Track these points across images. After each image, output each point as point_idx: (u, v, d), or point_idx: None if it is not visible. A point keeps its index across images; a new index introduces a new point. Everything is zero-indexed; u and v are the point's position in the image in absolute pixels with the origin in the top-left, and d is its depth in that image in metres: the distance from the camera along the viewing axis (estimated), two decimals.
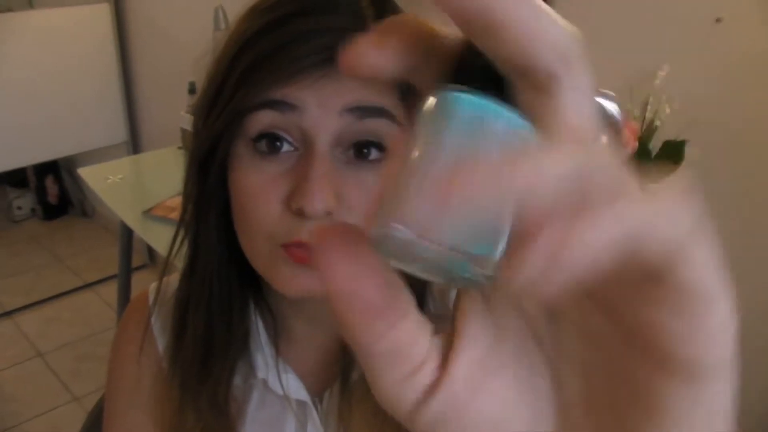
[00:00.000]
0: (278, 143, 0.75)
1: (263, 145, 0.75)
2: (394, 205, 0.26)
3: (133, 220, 2.60)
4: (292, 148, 0.75)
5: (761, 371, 1.87)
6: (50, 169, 4.87)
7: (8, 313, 3.97)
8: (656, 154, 1.69)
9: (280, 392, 0.92)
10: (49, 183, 4.95)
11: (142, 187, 2.97)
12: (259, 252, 0.79)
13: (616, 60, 1.91)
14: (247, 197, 0.76)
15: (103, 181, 2.88)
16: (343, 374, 0.91)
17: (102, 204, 2.81)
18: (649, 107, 1.71)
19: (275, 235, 0.76)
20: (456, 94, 0.27)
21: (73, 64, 3.85)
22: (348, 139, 0.74)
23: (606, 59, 1.93)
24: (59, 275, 4.37)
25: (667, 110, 1.68)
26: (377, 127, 0.74)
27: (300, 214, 0.73)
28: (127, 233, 2.90)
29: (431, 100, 0.28)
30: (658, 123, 1.69)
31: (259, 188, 0.75)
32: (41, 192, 4.96)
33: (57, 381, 3.47)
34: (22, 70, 3.69)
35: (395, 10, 0.80)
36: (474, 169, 0.22)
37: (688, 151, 1.64)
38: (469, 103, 0.27)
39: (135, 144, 4.23)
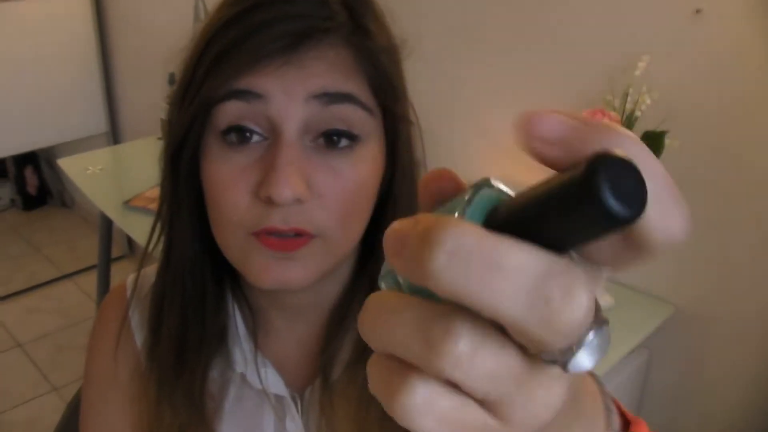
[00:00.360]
0: (247, 134, 0.75)
1: (232, 136, 0.75)
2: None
3: (112, 211, 2.60)
4: (261, 138, 0.75)
5: (760, 371, 1.88)
6: (29, 159, 4.85)
7: None
8: None
9: (258, 386, 0.91)
10: (29, 173, 4.92)
11: (121, 178, 2.96)
12: (231, 243, 0.79)
13: (596, 50, 1.91)
14: (218, 188, 0.76)
15: (82, 171, 2.86)
16: (323, 369, 0.90)
17: (81, 195, 2.80)
18: (629, 98, 1.71)
19: (246, 224, 0.76)
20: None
21: (53, 54, 3.83)
22: (316, 127, 0.74)
23: (586, 49, 1.94)
24: (38, 265, 4.35)
25: (648, 101, 1.68)
26: (345, 113, 0.74)
27: (269, 202, 0.73)
28: (107, 224, 2.90)
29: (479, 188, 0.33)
30: (638, 114, 1.69)
31: (228, 179, 0.75)
32: (20, 182, 4.93)
33: (36, 371, 3.46)
34: (1, 61, 3.66)
35: (367, 4, 0.80)
36: None
37: (668, 142, 1.65)
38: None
39: (115, 135, 4.21)
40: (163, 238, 0.89)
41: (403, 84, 0.84)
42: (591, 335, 0.29)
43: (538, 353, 0.29)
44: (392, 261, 0.29)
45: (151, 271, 0.97)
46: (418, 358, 0.29)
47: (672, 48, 1.75)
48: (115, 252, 3.23)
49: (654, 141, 1.66)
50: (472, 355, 0.29)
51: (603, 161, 0.26)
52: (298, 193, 0.72)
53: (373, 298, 0.32)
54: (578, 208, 0.27)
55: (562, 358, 0.29)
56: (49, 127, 3.94)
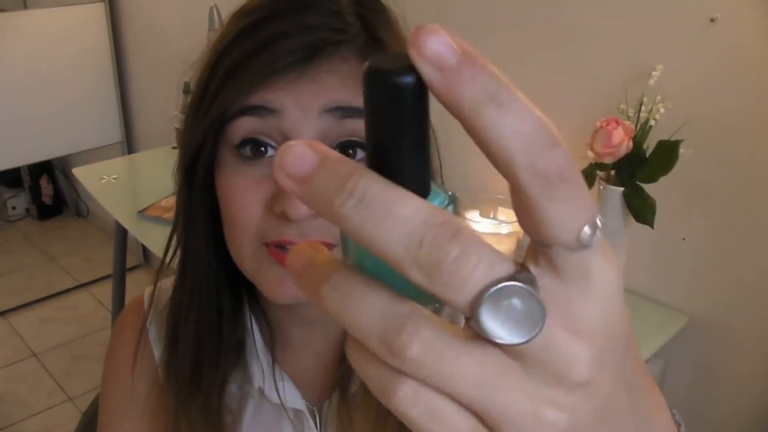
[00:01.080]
0: (262, 148, 0.75)
1: (247, 150, 0.75)
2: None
3: (127, 220, 2.60)
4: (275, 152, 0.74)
5: (759, 372, 1.87)
6: (45, 169, 4.87)
7: (2, 314, 3.97)
8: (650, 154, 1.69)
9: (276, 401, 0.91)
10: (44, 183, 4.94)
11: (136, 187, 2.97)
12: (245, 254, 0.79)
13: (610, 59, 1.91)
14: (232, 201, 0.76)
15: (97, 181, 2.87)
16: (341, 382, 0.90)
17: (96, 204, 2.81)
18: (643, 107, 1.71)
19: (259, 235, 0.76)
20: None
21: (68, 64, 3.85)
22: (331, 140, 0.74)
23: (600, 58, 1.94)
24: (53, 275, 4.36)
25: (662, 110, 1.68)
26: (359, 127, 0.73)
27: (284, 217, 0.72)
28: (122, 233, 2.90)
29: None
30: (652, 123, 1.69)
31: (243, 192, 0.75)
32: (35, 192, 4.95)
33: (51, 381, 3.47)
34: (16, 71, 3.68)
35: (380, 14, 0.79)
36: None
37: (683, 152, 1.64)
38: None
39: (129, 144, 4.22)
40: (179, 251, 0.89)
41: None
42: (491, 291, 0.28)
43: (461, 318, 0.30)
44: (287, 182, 0.30)
45: (168, 283, 0.97)
46: (380, 354, 0.30)
47: (686, 57, 1.75)
48: (130, 261, 3.24)
49: (668, 150, 1.66)
50: (431, 357, 0.29)
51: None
52: None
53: (338, 275, 0.31)
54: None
55: (471, 318, 0.29)
56: (64, 136, 3.95)
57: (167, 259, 0.91)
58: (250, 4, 0.77)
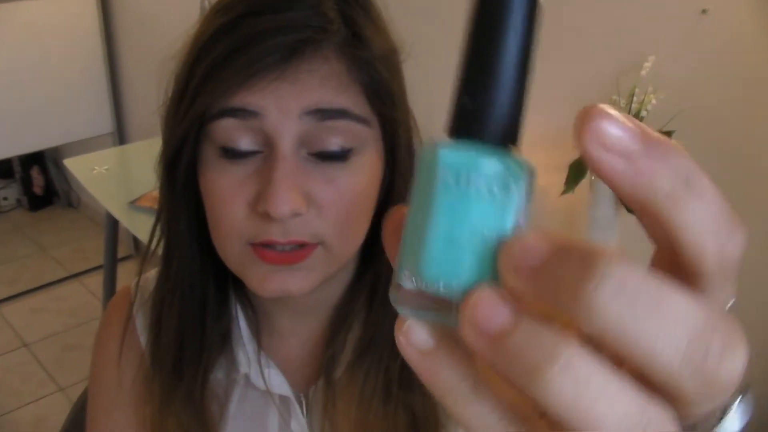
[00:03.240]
0: (243, 149, 0.74)
1: (228, 151, 0.74)
2: (400, 261, 0.31)
3: (118, 211, 2.60)
4: (257, 151, 0.74)
5: (753, 369, 1.88)
6: (36, 159, 4.86)
7: None
8: None
9: (263, 387, 0.91)
10: (35, 174, 4.93)
11: (127, 178, 2.96)
12: (230, 253, 0.79)
13: (601, 50, 1.91)
14: (216, 200, 0.76)
15: (88, 171, 2.87)
16: (326, 369, 0.91)
17: (88, 195, 2.81)
18: (635, 98, 1.71)
19: (244, 236, 0.76)
20: (440, 150, 0.29)
21: (60, 54, 3.84)
22: (311, 142, 0.73)
23: (592, 50, 1.94)
24: (45, 265, 4.35)
25: (653, 101, 1.68)
26: (339, 127, 0.73)
27: (267, 216, 0.72)
28: (113, 224, 2.90)
29: (422, 156, 0.30)
30: (644, 114, 1.69)
31: (226, 191, 0.75)
32: (27, 182, 4.94)
33: (43, 371, 3.47)
34: (8, 61, 3.67)
35: (363, 6, 0.78)
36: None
37: (675, 142, 1.65)
38: (452, 158, 0.29)
39: (121, 135, 4.22)
40: (162, 244, 0.89)
41: (402, 89, 0.83)
42: (740, 398, 0.27)
43: (681, 417, 0.27)
44: (514, 277, 0.27)
45: (155, 273, 0.97)
46: (520, 382, 0.27)
47: (678, 48, 1.75)
48: (122, 252, 3.23)
49: None
50: (579, 388, 0.26)
51: None
52: (295, 208, 0.72)
53: (571, 353, 0.26)
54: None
55: (705, 424, 0.27)
56: (56, 127, 3.95)
57: (151, 250, 0.91)
58: (224, 1, 0.76)
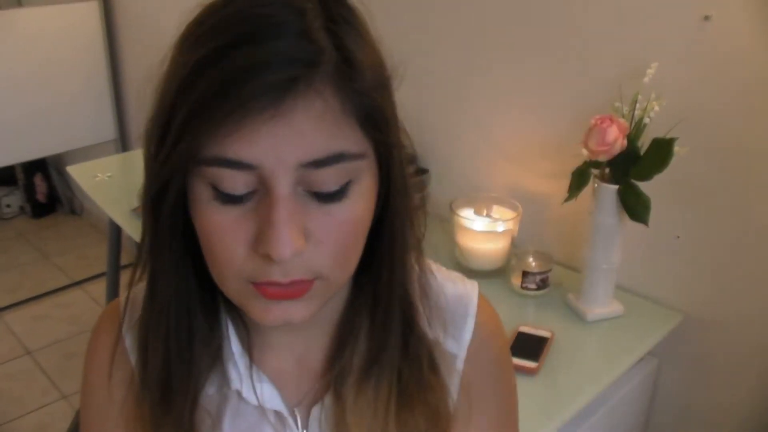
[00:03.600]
0: (238, 193, 0.71)
1: (222, 194, 0.71)
2: None
3: (121, 218, 2.60)
4: (253, 191, 0.71)
5: (754, 369, 1.88)
6: (39, 166, 4.87)
7: None
8: (645, 151, 1.69)
9: (255, 403, 0.90)
10: (38, 181, 4.94)
11: (130, 185, 2.96)
12: (229, 287, 0.77)
13: (604, 57, 1.91)
14: (212, 239, 0.73)
15: (91, 178, 2.87)
16: (335, 384, 0.90)
17: (90, 202, 2.81)
18: (637, 105, 1.71)
19: (244, 274, 0.74)
20: None
21: (62, 61, 3.84)
22: (309, 184, 0.71)
23: (594, 56, 1.94)
24: (47, 273, 4.36)
25: (656, 108, 1.68)
26: (337, 170, 0.70)
27: (267, 257, 0.70)
28: (116, 231, 2.90)
29: None
30: (646, 121, 1.69)
31: (222, 230, 0.72)
32: (30, 190, 4.95)
33: (45, 379, 3.47)
34: (10, 68, 3.68)
35: (351, 23, 0.73)
36: None
37: (677, 149, 1.64)
38: None
39: (123, 142, 4.22)
40: (147, 270, 0.85)
41: (393, 107, 0.79)
42: None
43: None
44: None
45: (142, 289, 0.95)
46: None
47: (680, 55, 1.75)
48: (124, 259, 3.23)
49: (662, 148, 1.66)
50: None
51: None
52: (297, 249, 0.70)
53: None
54: None
55: None
56: (58, 134, 3.95)
57: (135, 279, 0.88)
58: (201, 27, 0.70)
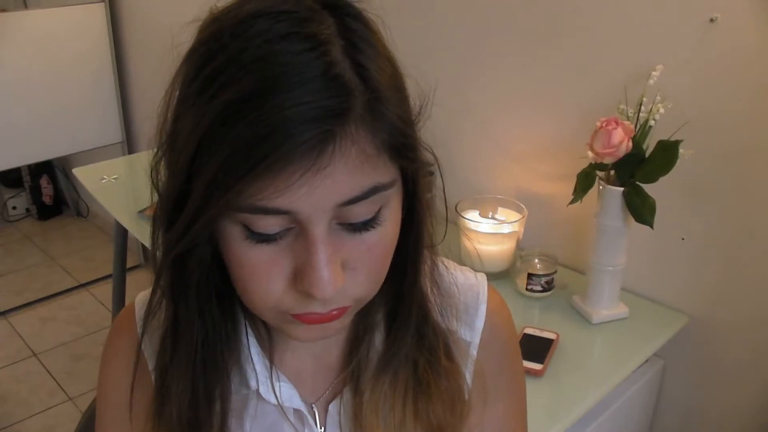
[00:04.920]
0: (273, 233, 0.69)
1: (256, 234, 0.69)
2: None
3: (127, 220, 2.60)
4: (288, 228, 0.69)
5: (759, 371, 1.87)
6: (45, 169, 4.88)
7: (2, 313, 3.98)
8: (650, 154, 1.69)
9: (274, 401, 0.90)
10: (44, 183, 4.95)
11: (136, 187, 2.97)
12: (265, 315, 0.77)
13: (609, 59, 1.91)
14: (247, 274, 0.72)
15: (97, 181, 2.88)
16: (353, 380, 0.91)
17: (97, 204, 2.82)
18: (642, 107, 1.71)
19: (283, 307, 0.73)
20: None
21: (68, 64, 3.85)
22: (343, 218, 0.70)
23: (600, 58, 1.94)
24: (54, 275, 4.36)
25: (661, 110, 1.68)
26: (370, 202, 0.69)
27: (309, 294, 0.70)
28: (122, 233, 2.90)
29: None
30: (652, 123, 1.69)
31: (258, 267, 0.71)
32: (36, 192, 4.96)
33: (52, 381, 3.47)
34: (16, 70, 3.69)
35: (367, 40, 0.70)
36: None
37: (682, 152, 1.64)
38: None
39: (130, 144, 4.22)
40: (166, 311, 0.84)
41: (413, 124, 0.76)
42: None
43: None
44: None
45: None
46: None
47: (686, 57, 1.75)
48: (131, 261, 3.24)
49: (668, 150, 1.66)
50: None
51: None
52: (339, 286, 0.70)
53: None
54: None
55: None
56: (65, 136, 3.95)
57: (150, 313, 0.86)
58: (216, 59, 0.66)
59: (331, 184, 0.65)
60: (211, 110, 0.64)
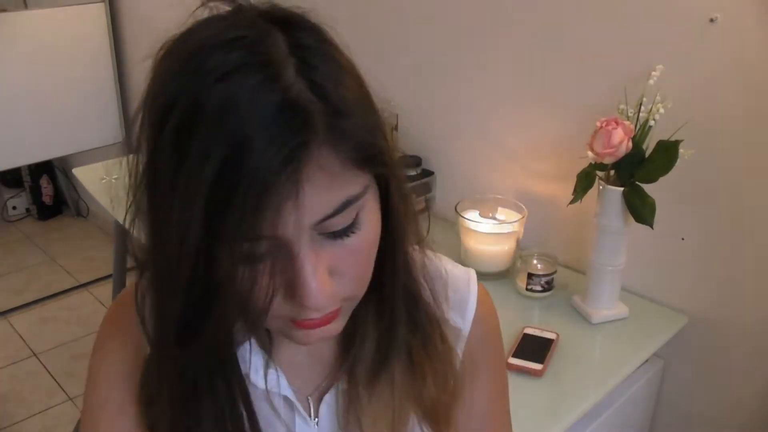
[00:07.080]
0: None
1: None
2: None
3: (127, 221, 2.60)
4: (274, 247, 0.71)
5: (759, 371, 1.88)
6: (45, 169, 4.87)
7: (2, 313, 3.97)
8: (650, 154, 1.69)
9: (263, 387, 0.92)
10: (44, 183, 4.94)
11: None
12: (268, 326, 0.81)
13: (609, 59, 1.91)
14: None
15: (97, 181, 2.88)
16: (349, 372, 0.93)
17: (97, 204, 2.81)
18: (642, 107, 1.71)
19: (278, 315, 0.75)
20: None
21: (68, 63, 3.85)
22: (323, 229, 0.71)
23: (599, 58, 1.94)
24: (54, 275, 4.36)
25: (661, 110, 1.68)
26: (346, 212, 0.71)
27: (302, 305, 0.72)
28: (122, 233, 2.91)
29: None
30: (651, 123, 1.69)
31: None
32: (36, 192, 4.95)
33: (52, 381, 3.47)
34: (16, 71, 3.68)
35: (320, 50, 0.70)
36: None
37: (682, 152, 1.64)
38: None
39: (130, 144, 4.21)
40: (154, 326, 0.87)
41: (383, 127, 0.77)
42: None
43: None
44: None
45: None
46: None
47: (686, 57, 1.75)
48: (131, 261, 3.23)
49: (668, 150, 1.66)
50: None
51: None
52: (329, 293, 0.72)
53: None
54: None
55: None
56: (65, 136, 3.95)
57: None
58: (174, 104, 0.69)
59: (306, 208, 0.67)
60: (205, 167, 0.64)
